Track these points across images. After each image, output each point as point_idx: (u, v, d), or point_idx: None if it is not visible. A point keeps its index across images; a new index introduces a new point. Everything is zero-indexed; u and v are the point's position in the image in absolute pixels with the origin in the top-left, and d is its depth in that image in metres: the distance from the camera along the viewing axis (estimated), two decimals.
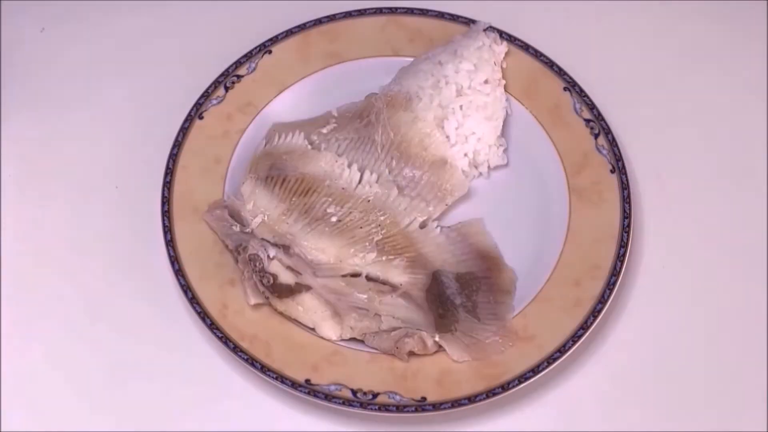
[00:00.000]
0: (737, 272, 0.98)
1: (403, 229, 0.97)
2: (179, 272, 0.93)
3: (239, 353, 0.89)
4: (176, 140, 1.00)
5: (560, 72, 1.04)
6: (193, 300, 0.92)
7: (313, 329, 0.92)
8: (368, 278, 0.94)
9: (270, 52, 1.06)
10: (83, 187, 1.03)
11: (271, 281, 0.92)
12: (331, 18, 1.08)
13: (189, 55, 1.11)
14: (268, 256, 0.93)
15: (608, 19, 1.14)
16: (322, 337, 0.92)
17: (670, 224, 1.01)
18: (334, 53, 1.06)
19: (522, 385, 0.88)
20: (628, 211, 0.96)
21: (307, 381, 0.88)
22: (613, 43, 1.13)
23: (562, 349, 0.89)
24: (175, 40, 1.13)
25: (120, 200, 1.02)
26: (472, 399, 0.87)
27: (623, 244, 0.94)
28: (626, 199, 0.96)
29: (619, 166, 0.98)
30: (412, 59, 1.05)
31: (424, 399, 0.87)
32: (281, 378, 0.88)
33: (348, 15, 1.08)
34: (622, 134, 1.03)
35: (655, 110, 1.08)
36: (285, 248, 0.95)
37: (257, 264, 0.92)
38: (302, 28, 1.07)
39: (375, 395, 0.87)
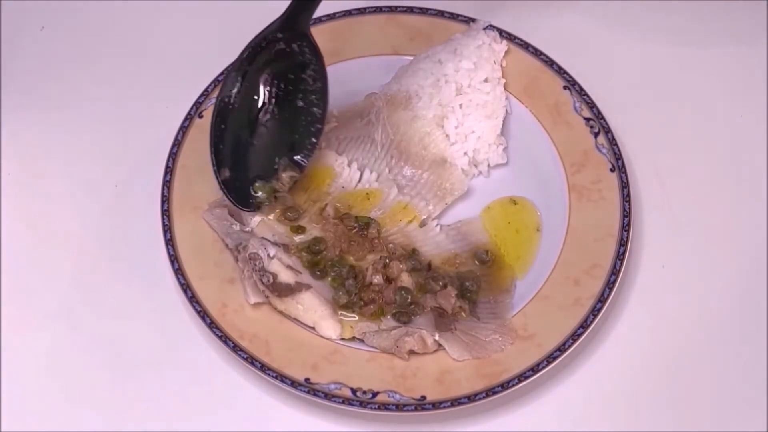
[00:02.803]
0: (737, 271, 0.98)
1: (403, 227, 0.98)
2: (179, 271, 0.93)
3: (239, 352, 0.89)
4: (176, 139, 1.00)
5: (560, 71, 1.04)
6: (192, 299, 0.91)
7: (312, 328, 0.92)
8: None
9: None
10: (83, 186, 1.03)
11: (271, 280, 0.92)
12: (331, 17, 1.08)
13: (188, 54, 1.11)
14: (268, 255, 0.93)
15: (608, 18, 1.14)
16: (321, 336, 0.91)
17: (670, 223, 1.00)
18: (333, 52, 1.06)
19: (522, 384, 0.88)
20: (627, 210, 0.96)
21: (307, 380, 0.88)
22: (613, 42, 1.13)
23: (561, 348, 0.89)
24: (175, 39, 1.13)
25: (119, 199, 1.02)
26: (471, 398, 0.87)
27: (623, 243, 0.94)
28: (626, 198, 0.96)
29: (618, 164, 0.98)
30: (411, 58, 1.05)
31: (423, 398, 0.87)
32: (281, 377, 0.88)
33: (348, 14, 1.08)
34: (621, 133, 1.02)
35: (655, 110, 1.08)
36: (285, 247, 0.95)
37: (257, 263, 0.92)
38: None
39: (375, 394, 0.87)
